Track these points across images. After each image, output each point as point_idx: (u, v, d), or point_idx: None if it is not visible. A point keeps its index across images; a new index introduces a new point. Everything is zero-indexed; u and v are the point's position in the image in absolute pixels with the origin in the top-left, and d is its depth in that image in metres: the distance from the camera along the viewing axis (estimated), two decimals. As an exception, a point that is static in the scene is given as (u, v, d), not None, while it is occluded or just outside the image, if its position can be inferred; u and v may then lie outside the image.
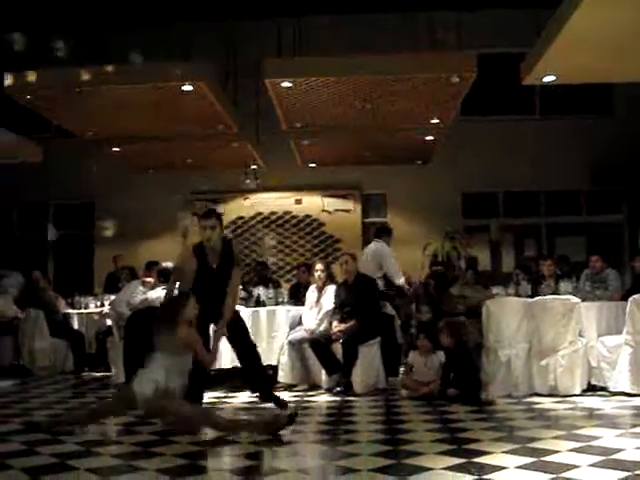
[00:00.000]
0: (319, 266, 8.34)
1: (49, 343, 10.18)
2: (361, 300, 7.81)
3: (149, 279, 8.69)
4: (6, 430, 5.73)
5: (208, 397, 7.39)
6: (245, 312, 8.24)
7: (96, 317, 10.18)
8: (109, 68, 8.13)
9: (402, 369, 7.98)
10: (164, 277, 7.92)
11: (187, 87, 8.34)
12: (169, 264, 8.27)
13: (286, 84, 8.24)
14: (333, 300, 7.97)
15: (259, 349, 7.85)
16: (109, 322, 9.13)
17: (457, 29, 9.56)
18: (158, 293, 7.77)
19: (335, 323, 7.79)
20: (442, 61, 8.24)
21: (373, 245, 9.30)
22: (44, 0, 10.85)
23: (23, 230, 14.16)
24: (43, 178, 12.70)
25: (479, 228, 13.44)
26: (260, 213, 13.37)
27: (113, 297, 9.18)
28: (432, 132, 10.42)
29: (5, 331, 10.47)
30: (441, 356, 7.11)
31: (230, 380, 8.09)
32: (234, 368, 8.16)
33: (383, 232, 9.46)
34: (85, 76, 8.17)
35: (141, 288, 8.54)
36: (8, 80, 8.40)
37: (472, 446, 4.78)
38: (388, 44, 10.89)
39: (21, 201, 13.93)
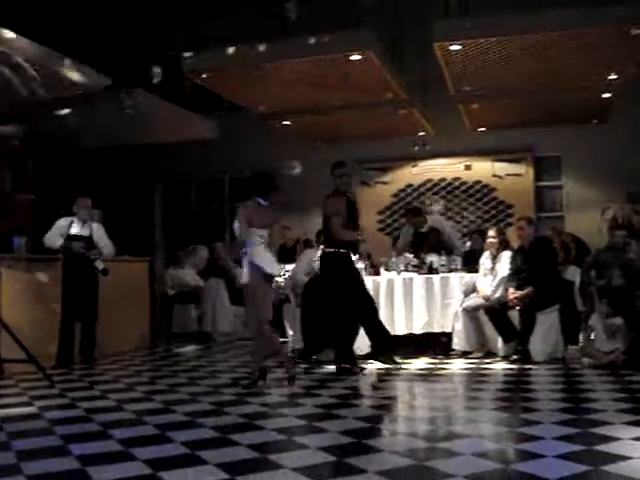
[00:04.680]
0: (492, 232, 8.22)
1: (229, 310, 10.71)
2: (538, 266, 7.60)
3: None
4: (195, 391, 6.10)
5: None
6: (418, 279, 8.27)
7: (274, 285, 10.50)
8: (279, 43, 8.27)
9: (582, 337, 7.71)
10: None
11: (355, 57, 8.36)
12: None
13: (455, 47, 8.06)
14: (509, 266, 7.81)
15: (432, 316, 7.98)
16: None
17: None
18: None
19: (511, 290, 7.64)
20: (619, 13, 7.77)
21: None
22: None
23: (202, 205, 14.76)
24: (218, 154, 13.15)
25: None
26: (429, 180, 13.17)
27: (288, 267, 9.42)
28: (609, 89, 9.87)
29: (189, 300, 11.11)
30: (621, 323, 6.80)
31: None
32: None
33: None
34: (258, 53, 8.37)
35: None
36: (186, 61, 8.76)
37: (662, 416, 4.57)
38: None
39: (199, 177, 14.49)
